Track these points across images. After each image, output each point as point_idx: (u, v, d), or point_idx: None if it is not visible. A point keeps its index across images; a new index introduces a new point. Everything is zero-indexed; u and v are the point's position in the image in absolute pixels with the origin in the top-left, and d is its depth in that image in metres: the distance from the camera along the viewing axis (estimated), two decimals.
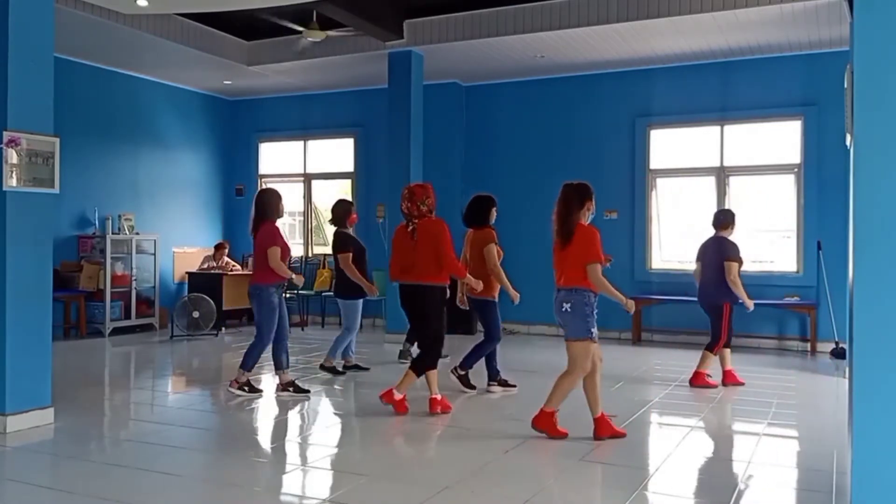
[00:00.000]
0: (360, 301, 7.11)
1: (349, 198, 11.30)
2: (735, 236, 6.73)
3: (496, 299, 6.29)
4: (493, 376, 6.43)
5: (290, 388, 6.19)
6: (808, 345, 8.78)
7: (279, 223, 6.30)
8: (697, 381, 6.62)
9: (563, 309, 4.81)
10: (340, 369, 7.20)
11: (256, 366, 6.34)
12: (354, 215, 7.23)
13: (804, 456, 4.77)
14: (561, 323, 4.91)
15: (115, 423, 5.69)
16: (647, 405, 5.97)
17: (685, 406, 5.99)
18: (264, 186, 6.46)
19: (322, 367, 7.19)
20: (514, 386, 6.42)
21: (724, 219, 6.74)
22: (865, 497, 2.65)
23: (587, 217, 4.91)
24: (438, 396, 5.58)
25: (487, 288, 6.12)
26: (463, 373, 6.41)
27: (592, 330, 4.80)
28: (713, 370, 6.71)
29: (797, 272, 9.03)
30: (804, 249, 8.96)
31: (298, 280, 6.52)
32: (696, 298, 6.85)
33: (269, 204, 6.17)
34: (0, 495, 3.86)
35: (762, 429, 5.29)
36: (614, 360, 7.89)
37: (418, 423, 5.38)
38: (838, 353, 8.20)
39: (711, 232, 6.76)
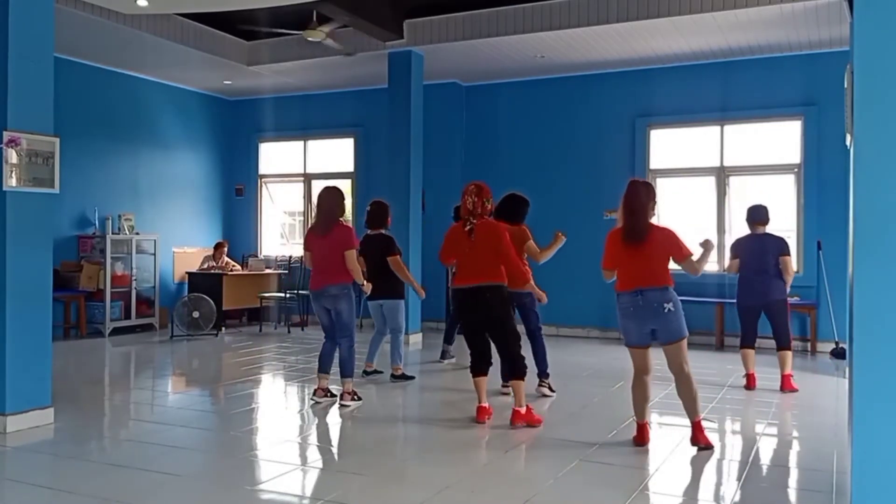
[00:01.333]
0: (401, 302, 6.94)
1: (349, 197, 11.34)
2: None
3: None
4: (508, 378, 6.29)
5: (328, 395, 6.04)
6: (808, 345, 8.78)
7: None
8: (788, 386, 6.48)
9: (666, 309, 4.50)
10: (407, 374, 6.96)
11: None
12: (389, 217, 6.97)
13: (804, 456, 4.77)
14: (657, 327, 4.57)
15: (115, 423, 5.69)
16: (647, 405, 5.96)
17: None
18: (328, 185, 6.13)
19: (393, 376, 6.90)
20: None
21: (764, 215, 6.60)
22: (865, 497, 2.65)
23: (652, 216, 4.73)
24: (523, 409, 5.22)
25: (523, 280, 5.69)
26: (546, 381, 6.27)
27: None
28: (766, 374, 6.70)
29: (797, 272, 9.02)
30: (804, 249, 8.97)
31: (368, 287, 6.22)
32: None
33: (338, 203, 5.93)
34: (0, 495, 3.86)
35: (762, 429, 5.29)
36: (614, 359, 7.90)
37: (418, 423, 5.38)
38: (838, 353, 8.20)
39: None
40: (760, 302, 6.53)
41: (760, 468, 4.36)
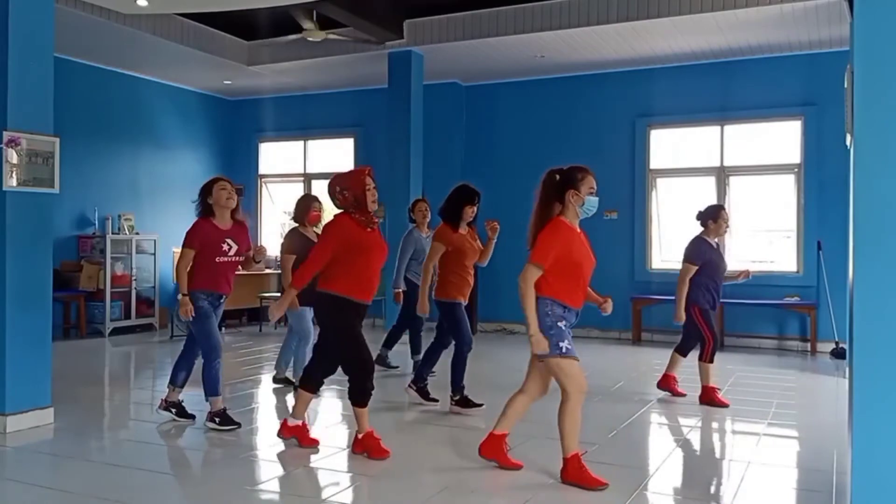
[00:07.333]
0: (307, 309, 6.09)
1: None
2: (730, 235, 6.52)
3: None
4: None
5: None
6: (808, 345, 8.78)
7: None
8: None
9: None
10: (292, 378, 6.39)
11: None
12: (315, 213, 6.30)
13: (804, 456, 4.77)
14: None
15: (114, 423, 5.69)
16: (647, 405, 5.97)
17: (685, 406, 5.98)
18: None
19: (275, 379, 6.63)
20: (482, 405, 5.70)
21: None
22: (865, 497, 2.65)
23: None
24: (299, 423, 4.73)
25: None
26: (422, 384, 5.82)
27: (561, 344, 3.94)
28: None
29: (797, 272, 9.03)
30: (804, 249, 8.97)
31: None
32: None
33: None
34: (0, 495, 3.86)
35: (762, 429, 5.28)
36: (614, 360, 7.90)
37: (418, 423, 5.38)
38: (838, 353, 8.20)
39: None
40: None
41: (760, 468, 4.36)
